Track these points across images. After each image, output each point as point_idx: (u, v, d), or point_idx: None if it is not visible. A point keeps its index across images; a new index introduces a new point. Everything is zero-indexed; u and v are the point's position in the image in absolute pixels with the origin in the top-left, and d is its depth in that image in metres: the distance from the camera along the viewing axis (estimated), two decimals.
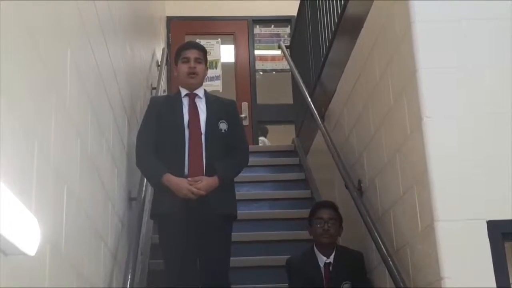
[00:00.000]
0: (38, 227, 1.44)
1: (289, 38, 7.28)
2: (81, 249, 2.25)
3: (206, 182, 3.12)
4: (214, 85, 7.24)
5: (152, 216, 3.35)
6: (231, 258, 3.28)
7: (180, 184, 3.10)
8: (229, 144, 3.30)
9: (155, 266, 3.93)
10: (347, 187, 3.54)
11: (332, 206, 3.61)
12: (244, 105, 7.34)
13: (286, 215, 4.82)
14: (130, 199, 3.52)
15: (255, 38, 7.77)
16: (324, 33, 4.64)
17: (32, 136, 1.65)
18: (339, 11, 3.98)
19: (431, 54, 2.61)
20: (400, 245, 2.89)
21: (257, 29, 7.80)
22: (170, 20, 7.54)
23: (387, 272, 2.88)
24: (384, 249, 2.95)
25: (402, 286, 2.73)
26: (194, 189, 3.09)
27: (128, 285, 2.98)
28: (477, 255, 2.39)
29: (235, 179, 3.40)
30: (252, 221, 4.64)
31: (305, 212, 3.92)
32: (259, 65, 7.72)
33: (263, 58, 7.76)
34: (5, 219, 1.21)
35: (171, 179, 3.12)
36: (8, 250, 1.33)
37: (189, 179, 3.11)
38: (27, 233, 1.36)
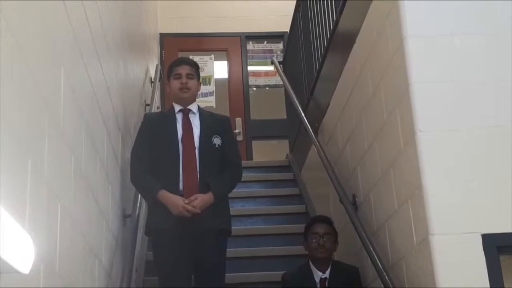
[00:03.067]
0: (32, 245, 1.43)
1: (282, 54, 7.31)
2: (75, 267, 2.24)
3: (201, 199, 3.12)
4: (207, 101, 7.24)
5: (147, 232, 3.34)
6: (226, 274, 3.27)
7: (176, 202, 3.09)
8: (223, 159, 3.31)
9: (150, 283, 3.90)
10: (341, 202, 3.54)
11: (327, 220, 3.60)
12: (238, 120, 7.35)
13: (281, 230, 4.80)
14: (125, 216, 3.50)
15: (248, 54, 7.79)
16: (316, 48, 4.66)
17: (25, 154, 1.65)
18: (332, 27, 4.01)
19: (424, 68, 2.63)
20: (396, 259, 2.89)
21: (250, 45, 7.82)
22: (163, 37, 7.56)
23: (383, 286, 2.87)
24: (379, 264, 2.95)
25: None
26: (189, 207, 3.08)
27: None
28: (473, 268, 2.39)
29: (229, 195, 3.40)
30: (247, 236, 4.63)
31: (300, 227, 3.92)
32: (252, 80, 7.74)
33: (256, 73, 7.78)
34: None
35: (166, 196, 3.12)
36: (2, 268, 1.32)
37: (186, 201, 3.10)
38: (20, 251, 1.35)
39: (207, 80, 7.39)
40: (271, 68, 7.18)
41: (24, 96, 1.66)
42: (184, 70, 3.41)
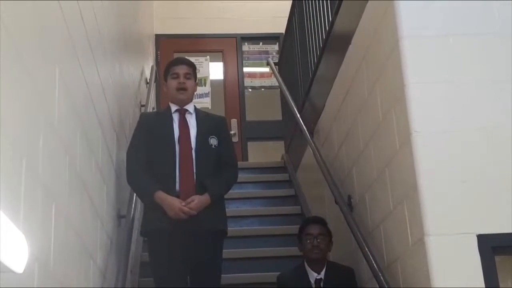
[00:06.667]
0: (26, 244, 1.43)
1: (277, 55, 7.31)
2: (69, 266, 2.23)
3: (198, 201, 3.10)
4: (203, 102, 7.24)
5: (142, 233, 3.33)
6: (222, 275, 3.26)
7: (172, 203, 3.08)
8: (219, 160, 3.30)
9: (145, 284, 3.89)
10: (337, 203, 3.54)
11: (321, 221, 3.60)
12: (233, 121, 7.35)
13: (276, 232, 4.80)
14: (119, 217, 3.50)
15: (244, 55, 7.79)
16: (312, 49, 4.66)
17: (20, 154, 1.64)
18: (327, 28, 4.01)
19: (419, 69, 2.63)
20: (391, 260, 2.89)
21: (246, 46, 7.82)
22: (159, 38, 7.55)
23: (378, 287, 2.87)
24: (375, 265, 2.95)
25: None
26: (186, 209, 3.07)
27: None
28: (468, 269, 2.39)
29: (225, 196, 3.39)
30: (242, 237, 4.62)
31: (295, 228, 3.91)
32: (248, 82, 7.73)
33: (251, 75, 7.78)
34: None
35: (163, 197, 3.10)
36: None
37: (182, 203, 3.09)
38: (15, 251, 1.35)
39: (203, 81, 7.39)
40: (266, 69, 7.18)
41: (19, 96, 1.66)
42: (181, 70, 3.41)
